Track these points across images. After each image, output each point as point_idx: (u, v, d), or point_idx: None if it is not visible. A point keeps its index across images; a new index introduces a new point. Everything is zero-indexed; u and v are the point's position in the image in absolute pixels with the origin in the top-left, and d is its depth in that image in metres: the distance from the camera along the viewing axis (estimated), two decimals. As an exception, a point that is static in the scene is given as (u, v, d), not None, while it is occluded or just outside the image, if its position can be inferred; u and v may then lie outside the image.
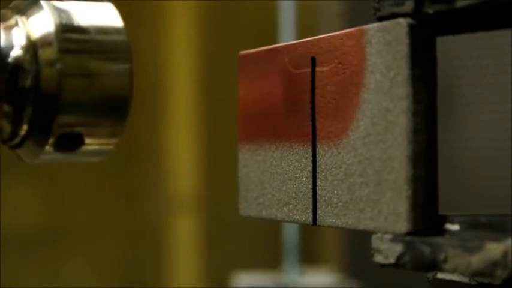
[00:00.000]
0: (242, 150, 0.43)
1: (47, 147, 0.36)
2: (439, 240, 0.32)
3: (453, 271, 0.32)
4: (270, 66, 0.41)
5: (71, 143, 0.36)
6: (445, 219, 0.34)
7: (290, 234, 1.19)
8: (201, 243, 1.60)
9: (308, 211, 0.38)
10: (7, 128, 0.36)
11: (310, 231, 1.36)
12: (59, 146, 0.36)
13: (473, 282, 0.34)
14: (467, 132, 0.74)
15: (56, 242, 1.51)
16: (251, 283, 1.16)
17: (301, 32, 1.17)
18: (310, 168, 0.38)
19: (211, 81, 1.59)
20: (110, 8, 0.36)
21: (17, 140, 0.37)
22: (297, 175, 0.39)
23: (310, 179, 0.38)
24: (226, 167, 1.41)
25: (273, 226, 1.30)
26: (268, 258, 1.44)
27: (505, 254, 0.30)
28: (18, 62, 0.34)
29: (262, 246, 1.57)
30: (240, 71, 0.43)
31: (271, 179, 0.41)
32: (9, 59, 0.35)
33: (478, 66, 0.68)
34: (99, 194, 1.54)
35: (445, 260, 0.32)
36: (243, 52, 0.43)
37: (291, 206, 0.39)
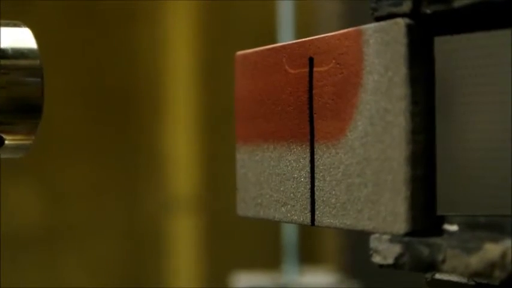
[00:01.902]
0: (240, 151, 0.43)
1: None
2: (437, 240, 0.32)
3: (451, 272, 0.32)
4: (267, 67, 0.41)
5: None
6: (444, 219, 0.34)
7: (289, 234, 1.19)
8: (201, 243, 1.60)
9: (306, 211, 0.38)
10: None
11: (310, 231, 1.36)
12: None
13: (472, 283, 0.34)
14: (466, 132, 0.74)
15: (56, 242, 1.51)
16: (251, 283, 1.16)
17: (299, 32, 1.17)
18: (308, 169, 0.38)
19: (211, 82, 1.59)
20: (27, 33, 0.44)
21: None
22: (295, 175, 0.39)
23: (309, 180, 0.38)
24: (226, 167, 1.41)
25: (273, 226, 1.30)
26: (268, 258, 1.44)
27: (503, 255, 0.30)
28: None
29: (262, 246, 1.57)
30: (236, 71, 0.43)
31: (269, 179, 0.41)
32: None
33: (476, 67, 0.68)
34: (99, 194, 1.54)
35: (444, 261, 0.32)
36: (239, 52, 0.43)
37: (289, 206, 0.39)
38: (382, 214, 0.34)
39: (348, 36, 0.36)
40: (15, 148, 0.44)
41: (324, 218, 0.37)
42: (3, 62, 0.42)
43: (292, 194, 0.39)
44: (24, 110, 0.43)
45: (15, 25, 0.44)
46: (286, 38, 1.16)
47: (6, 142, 0.43)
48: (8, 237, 1.41)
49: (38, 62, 0.43)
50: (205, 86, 1.60)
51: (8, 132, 0.43)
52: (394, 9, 0.34)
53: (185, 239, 1.60)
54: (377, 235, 0.34)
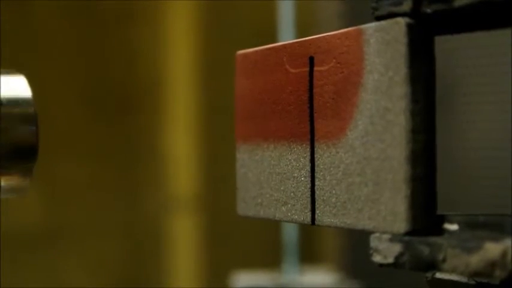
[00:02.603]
0: (240, 150, 0.43)
1: None
2: (437, 240, 0.32)
3: (452, 271, 0.32)
4: (267, 66, 0.41)
5: None
6: (444, 219, 0.34)
7: (289, 233, 1.19)
8: (201, 243, 1.60)
9: (306, 211, 0.38)
10: None
11: (310, 230, 1.36)
12: None
13: (472, 282, 0.34)
14: (467, 132, 0.74)
15: (56, 242, 1.51)
16: (251, 283, 1.16)
17: (300, 32, 1.17)
18: (308, 168, 0.38)
19: (211, 81, 1.59)
20: (22, 80, 0.45)
21: None
22: (296, 175, 0.39)
23: (309, 179, 0.38)
24: (226, 166, 1.41)
25: (273, 226, 1.30)
26: (268, 258, 1.44)
27: (503, 254, 0.30)
28: None
29: (262, 246, 1.57)
30: (237, 70, 0.43)
31: (270, 178, 0.41)
32: None
33: (477, 66, 0.68)
34: (98, 194, 1.54)
35: (444, 260, 0.32)
36: (240, 51, 0.43)
37: (289, 205, 0.39)
38: (382, 213, 0.34)
39: (349, 35, 0.36)
40: (11, 190, 0.47)
41: (324, 217, 0.37)
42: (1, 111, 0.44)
43: (292, 193, 0.39)
44: (18, 155, 0.45)
45: (9, 73, 0.46)
46: (286, 37, 1.16)
47: (2, 184, 0.45)
48: (7, 237, 1.41)
49: (32, 109, 0.45)
50: (205, 86, 1.60)
51: (4, 175, 0.45)
52: (395, 9, 0.34)
53: (185, 239, 1.60)
54: (377, 234, 0.34)
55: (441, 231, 0.33)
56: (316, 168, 0.38)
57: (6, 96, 0.45)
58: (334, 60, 0.37)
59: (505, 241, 0.30)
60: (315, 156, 0.38)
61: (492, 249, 0.30)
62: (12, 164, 0.45)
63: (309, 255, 1.35)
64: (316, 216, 0.38)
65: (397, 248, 0.33)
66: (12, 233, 1.45)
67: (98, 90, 1.52)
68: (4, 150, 0.44)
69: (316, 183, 0.38)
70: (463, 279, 0.35)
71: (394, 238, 0.33)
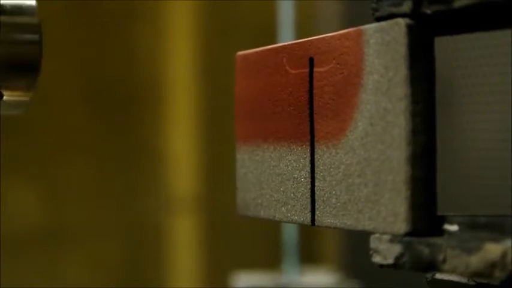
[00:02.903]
0: (240, 151, 0.43)
1: None
2: (437, 240, 0.32)
3: (452, 271, 0.32)
4: (267, 67, 0.41)
5: None
6: (444, 219, 0.34)
7: (290, 234, 1.19)
8: (201, 243, 1.60)
9: (306, 211, 0.38)
10: None
11: (310, 231, 1.36)
12: None
13: (472, 283, 0.34)
14: (467, 132, 0.74)
15: (56, 242, 1.51)
16: (251, 283, 1.16)
17: (300, 32, 1.17)
18: (308, 169, 0.38)
19: (211, 82, 1.59)
20: None
21: None
22: (296, 175, 0.39)
23: (309, 180, 0.38)
24: (226, 167, 1.41)
25: (273, 226, 1.30)
26: (268, 258, 1.44)
27: (503, 255, 0.30)
28: None
29: (262, 246, 1.57)
30: (237, 71, 0.43)
31: (270, 179, 0.41)
32: None
33: (477, 67, 0.68)
34: (99, 194, 1.54)
35: (444, 261, 0.32)
36: (240, 52, 0.43)
37: (289, 206, 0.39)
38: (383, 214, 0.34)
39: (349, 36, 0.36)
40: (13, 104, 0.44)
41: (324, 218, 0.37)
42: (1, 18, 0.42)
43: (292, 194, 0.39)
44: (22, 67, 0.43)
45: None
46: (286, 38, 1.16)
47: (4, 98, 0.43)
48: (7, 237, 1.41)
49: (36, 18, 0.43)
50: (205, 86, 1.60)
51: (6, 88, 0.43)
52: (395, 10, 0.34)
53: (185, 239, 1.60)
54: (377, 235, 0.34)
55: (441, 232, 0.33)
56: (316, 169, 0.38)
57: (9, 3, 0.43)
58: (334, 61, 0.37)
59: (505, 242, 0.30)
60: (315, 157, 0.38)
61: (492, 250, 0.30)
62: (15, 76, 0.43)
63: (309, 256, 1.35)
64: (316, 216, 0.38)
65: (397, 249, 0.33)
66: (12, 233, 1.45)
67: (98, 90, 1.52)
68: (7, 61, 0.42)
69: (316, 184, 0.38)
70: (463, 280, 0.35)
71: (394, 239, 0.33)
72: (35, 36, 0.43)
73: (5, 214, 1.38)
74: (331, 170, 0.37)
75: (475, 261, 0.31)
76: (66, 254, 1.52)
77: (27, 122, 1.43)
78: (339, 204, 0.36)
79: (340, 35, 0.36)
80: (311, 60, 0.38)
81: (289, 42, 0.40)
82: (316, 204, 0.38)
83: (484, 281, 0.33)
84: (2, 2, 0.42)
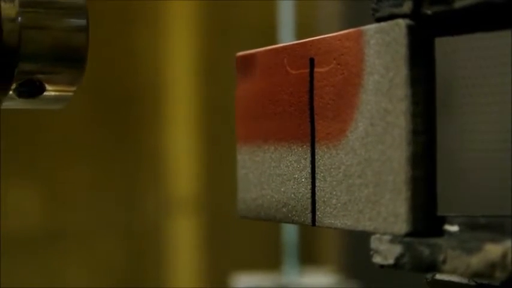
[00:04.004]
0: (240, 151, 0.43)
1: (10, 94, 0.39)
2: (438, 241, 0.32)
3: (452, 272, 0.32)
4: (268, 67, 0.41)
5: (32, 89, 0.39)
6: (444, 220, 0.34)
7: (290, 234, 1.19)
8: (201, 244, 1.60)
9: (307, 212, 0.38)
10: None
11: (310, 231, 1.36)
12: (21, 93, 0.39)
13: (472, 283, 0.34)
14: (467, 133, 0.74)
15: (56, 242, 1.51)
16: (251, 283, 1.16)
17: (300, 33, 1.17)
18: (309, 169, 0.38)
19: (211, 82, 1.59)
20: None
21: None
22: (296, 176, 0.39)
23: (309, 180, 0.38)
24: (226, 167, 1.41)
25: (273, 227, 1.30)
26: (268, 258, 1.44)
27: (504, 255, 0.30)
28: None
29: (262, 246, 1.57)
30: (237, 71, 0.43)
31: (270, 180, 0.41)
32: None
33: (477, 67, 0.68)
34: (99, 194, 1.54)
35: (444, 261, 0.32)
36: (240, 53, 0.43)
37: (290, 207, 0.39)
38: (383, 214, 0.34)
39: (349, 37, 0.36)
40: (54, 99, 0.41)
41: (325, 219, 0.37)
42: (47, 1, 0.39)
43: (293, 195, 0.39)
44: (67, 57, 0.39)
45: None
46: (286, 38, 1.16)
47: (45, 93, 0.40)
48: (7, 237, 1.41)
49: (82, 1, 0.40)
50: (205, 87, 1.60)
51: (48, 82, 0.39)
52: (395, 10, 0.34)
53: (185, 239, 1.60)
54: (378, 235, 0.34)
55: (441, 233, 0.33)
56: (316, 170, 0.38)
57: None
58: (334, 62, 0.37)
59: (505, 242, 0.30)
60: (316, 157, 0.38)
61: (492, 250, 0.30)
62: (58, 69, 0.39)
63: (309, 256, 1.35)
64: (316, 217, 0.38)
65: (397, 249, 0.33)
66: (12, 233, 1.45)
67: (98, 91, 1.52)
68: (49, 51, 0.38)
69: (317, 184, 0.38)
70: (464, 280, 0.35)
71: (395, 239, 0.33)
72: (82, 22, 0.39)
73: (5, 214, 1.38)
74: (332, 170, 0.37)
75: (476, 261, 0.31)
76: (66, 254, 1.52)
77: (27, 121, 1.43)
78: (339, 204, 0.36)
79: (341, 35, 0.36)
80: (311, 60, 0.38)
81: (290, 43, 0.40)
82: (316, 204, 0.38)
83: (485, 281, 0.33)
84: None
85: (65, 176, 1.52)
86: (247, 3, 1.61)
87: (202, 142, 1.60)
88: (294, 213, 0.39)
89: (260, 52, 0.42)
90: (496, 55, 0.66)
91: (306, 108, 0.38)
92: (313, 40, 0.38)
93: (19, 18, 0.37)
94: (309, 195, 0.38)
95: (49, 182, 1.51)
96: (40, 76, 0.39)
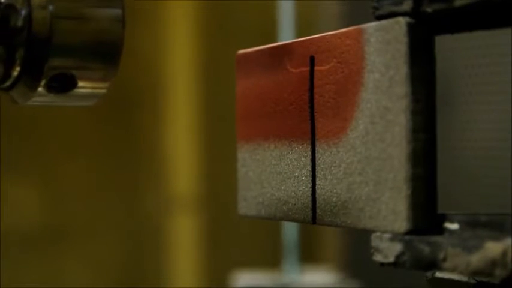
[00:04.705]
0: (241, 150, 0.43)
1: (40, 89, 0.36)
2: (438, 239, 0.32)
3: (452, 270, 0.32)
4: (268, 65, 0.41)
5: (63, 84, 0.36)
6: (445, 218, 0.34)
7: (290, 233, 1.19)
8: (201, 243, 1.60)
9: (307, 210, 0.38)
10: (0, 69, 0.36)
11: (310, 230, 1.36)
12: (51, 88, 0.36)
13: (472, 281, 0.35)
14: (467, 132, 0.74)
15: (56, 242, 1.51)
16: (251, 283, 1.16)
17: (300, 31, 1.17)
18: (309, 167, 0.38)
19: (211, 81, 1.59)
20: None
21: (9, 82, 0.37)
22: (296, 174, 0.39)
23: (310, 178, 0.38)
24: (226, 166, 1.41)
25: (273, 225, 1.30)
26: (268, 257, 1.44)
27: (504, 253, 0.30)
28: (10, 3, 0.35)
29: (262, 245, 1.57)
30: (237, 70, 0.43)
31: (271, 178, 0.41)
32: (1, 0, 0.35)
33: (477, 65, 0.68)
34: (99, 194, 1.54)
35: (445, 259, 0.32)
36: (240, 51, 0.43)
37: (290, 205, 0.39)
38: (383, 213, 0.34)
39: (349, 35, 0.36)
40: (85, 95, 0.38)
41: (325, 217, 0.37)
42: None
43: (293, 193, 0.39)
44: (101, 50, 0.36)
45: None
46: (287, 37, 1.16)
47: (76, 88, 0.37)
48: (8, 237, 1.41)
49: None
50: (205, 86, 1.60)
51: (81, 77, 0.36)
52: (395, 8, 0.34)
53: (185, 238, 1.60)
54: (378, 234, 0.34)
55: (442, 231, 0.33)
56: (317, 168, 0.38)
57: None
58: (334, 60, 0.37)
59: (505, 240, 0.30)
60: (316, 155, 0.38)
61: (493, 248, 0.30)
62: (91, 63, 0.36)
63: (309, 255, 1.35)
64: (317, 215, 0.38)
65: (397, 247, 0.33)
66: (12, 233, 1.45)
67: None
68: (82, 43, 0.35)
69: (317, 182, 0.38)
70: (464, 278, 0.35)
71: (395, 237, 0.33)
72: (117, 11, 0.36)
73: (5, 214, 1.38)
74: (332, 168, 0.37)
75: (476, 259, 0.31)
76: (66, 253, 1.52)
77: (27, 121, 1.43)
78: (339, 202, 0.36)
79: (341, 33, 0.36)
80: (312, 58, 0.38)
81: (290, 41, 0.40)
82: (317, 202, 0.38)
83: (485, 279, 0.33)
84: None
85: (65, 175, 1.52)
86: (247, 3, 1.61)
87: (202, 141, 1.60)
88: (294, 211, 0.39)
89: (260, 50, 0.42)
90: (496, 54, 0.66)
91: (306, 106, 0.38)
92: (313, 38, 0.38)
93: (50, 6, 0.35)
94: (309, 193, 0.38)
95: (49, 181, 1.51)
96: (71, 70, 0.36)
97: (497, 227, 0.32)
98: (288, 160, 0.40)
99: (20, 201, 1.48)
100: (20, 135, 1.45)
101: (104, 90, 0.38)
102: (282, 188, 0.40)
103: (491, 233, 0.32)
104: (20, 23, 0.35)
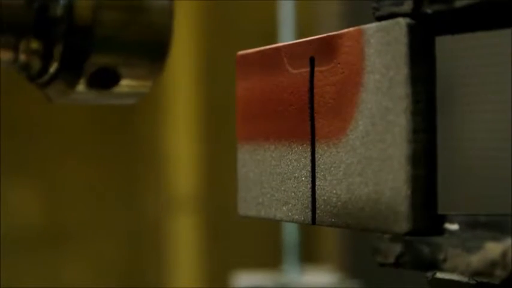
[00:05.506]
0: (241, 150, 0.43)
1: (78, 87, 0.33)
2: (438, 239, 0.32)
3: (452, 271, 0.32)
4: (268, 66, 0.41)
5: (104, 80, 0.33)
6: (445, 219, 0.34)
7: (290, 233, 1.20)
8: (201, 243, 1.60)
9: (307, 211, 0.38)
10: (36, 64, 0.33)
11: (310, 230, 1.36)
12: (92, 83, 0.33)
13: (473, 282, 0.35)
14: (467, 132, 0.74)
15: (56, 242, 1.51)
16: (251, 283, 1.16)
17: (301, 32, 1.17)
18: (309, 168, 0.38)
19: (211, 81, 1.59)
20: None
21: (45, 78, 0.33)
22: (296, 175, 0.39)
23: (310, 179, 0.38)
24: (226, 166, 1.41)
25: (273, 226, 1.30)
26: (269, 257, 1.44)
27: (504, 254, 0.30)
28: None
29: (262, 245, 1.57)
30: (238, 70, 0.43)
31: (271, 178, 0.41)
32: None
33: (477, 66, 0.68)
34: (99, 194, 1.54)
35: (445, 260, 0.32)
36: (241, 52, 0.43)
37: (290, 205, 0.39)
38: (383, 213, 0.34)
39: (349, 35, 0.36)
40: (128, 93, 0.35)
41: (325, 217, 0.37)
42: None
43: (293, 193, 0.39)
44: (148, 43, 0.33)
45: None
46: (287, 37, 1.16)
47: (119, 84, 0.34)
48: (7, 237, 1.41)
49: None
50: (205, 86, 1.60)
51: (124, 72, 0.33)
52: (396, 9, 0.34)
53: (186, 238, 1.60)
54: (378, 234, 0.34)
55: (442, 231, 0.33)
56: (317, 168, 0.38)
57: None
58: (334, 61, 0.37)
59: (505, 241, 0.30)
60: (316, 156, 0.38)
61: (493, 249, 0.30)
62: (137, 58, 0.33)
63: (309, 255, 1.35)
64: (317, 216, 0.38)
65: (398, 248, 0.33)
66: (12, 233, 1.45)
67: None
68: (128, 36, 0.32)
69: (317, 183, 0.38)
70: (464, 279, 0.35)
71: (395, 238, 0.33)
72: (166, 3, 0.33)
73: (5, 214, 1.38)
74: (332, 169, 0.37)
75: (476, 260, 0.31)
76: (66, 253, 1.52)
77: (27, 121, 1.43)
78: (339, 203, 0.36)
79: (341, 34, 0.36)
80: (312, 59, 0.38)
81: (290, 42, 0.40)
82: (317, 203, 0.38)
83: (485, 280, 0.33)
84: None
85: (65, 176, 1.52)
86: (247, 3, 1.61)
87: (202, 141, 1.60)
88: (294, 211, 0.39)
89: (260, 51, 0.42)
90: (496, 54, 0.66)
91: (306, 107, 0.38)
92: (313, 39, 0.38)
93: None
94: (309, 193, 0.38)
95: (49, 182, 1.51)
96: (115, 64, 0.33)
97: (497, 227, 0.32)
98: (288, 161, 0.40)
99: (20, 202, 1.48)
100: (20, 137, 1.45)
101: (146, 89, 0.36)
102: (282, 188, 0.40)
103: (491, 234, 0.32)
104: (59, 12, 0.31)
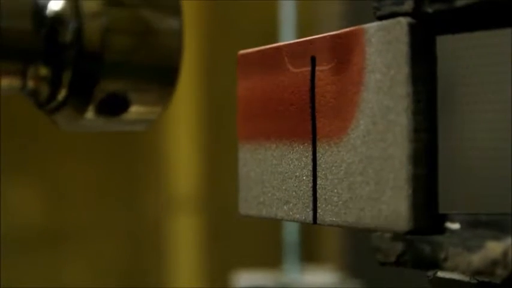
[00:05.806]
0: (242, 149, 0.43)
1: (87, 114, 0.32)
2: (439, 239, 0.32)
3: (453, 270, 0.32)
4: (269, 66, 0.41)
5: (115, 106, 0.32)
6: (446, 218, 0.34)
7: (291, 233, 1.20)
8: (201, 243, 1.60)
9: (308, 210, 0.38)
10: (44, 90, 0.32)
11: (311, 230, 1.36)
12: (101, 109, 0.32)
13: (474, 281, 0.35)
14: (467, 132, 0.74)
15: (56, 242, 1.51)
16: (251, 282, 1.16)
17: (301, 31, 1.17)
18: (310, 167, 0.38)
19: (212, 81, 1.59)
20: None
21: (54, 104, 0.33)
22: (297, 174, 0.39)
23: (311, 178, 0.38)
24: (226, 166, 1.41)
25: (274, 225, 1.30)
26: (269, 257, 1.44)
27: (505, 253, 0.30)
28: (57, 15, 0.31)
29: (263, 245, 1.57)
30: (239, 70, 0.43)
31: (271, 177, 0.41)
32: (48, 11, 0.31)
33: (478, 66, 0.68)
34: (99, 194, 1.54)
35: (446, 259, 0.32)
36: (242, 51, 0.43)
37: (291, 204, 0.40)
38: (384, 212, 0.34)
39: (350, 35, 0.36)
40: (137, 120, 0.34)
41: (326, 217, 0.37)
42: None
43: (294, 193, 0.39)
44: (158, 68, 0.32)
45: None
46: (288, 37, 1.16)
47: (129, 111, 0.33)
48: (7, 237, 1.41)
49: (177, 1, 0.32)
50: (206, 86, 1.60)
51: (133, 99, 0.32)
52: (396, 8, 0.34)
53: (186, 238, 1.60)
54: (379, 233, 0.34)
55: (443, 230, 0.33)
56: (318, 167, 0.38)
57: None
58: (335, 60, 0.37)
59: (506, 240, 0.30)
60: (317, 155, 0.38)
61: (494, 248, 0.30)
62: (145, 83, 0.32)
63: (310, 255, 1.35)
64: (317, 215, 0.38)
65: (399, 247, 0.33)
66: (12, 233, 1.45)
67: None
68: (138, 61, 0.31)
69: (318, 182, 0.38)
70: (465, 278, 0.35)
71: (396, 237, 0.33)
72: (176, 24, 0.33)
73: (5, 214, 1.38)
74: (333, 168, 0.37)
75: (477, 259, 0.31)
76: (66, 253, 1.52)
77: (27, 121, 1.43)
78: (340, 202, 0.36)
79: (342, 33, 0.36)
80: (313, 59, 0.38)
81: (291, 41, 0.40)
82: (318, 202, 0.38)
83: (486, 279, 0.33)
84: None
85: (65, 176, 1.52)
86: (248, 3, 1.61)
87: (202, 141, 1.60)
88: (295, 211, 0.39)
89: (261, 51, 0.42)
90: (497, 53, 0.66)
91: (307, 106, 0.38)
92: (314, 38, 0.38)
93: (103, 17, 0.30)
94: (310, 193, 0.38)
95: (49, 182, 1.51)
96: (124, 90, 0.32)
97: (498, 226, 0.32)
98: (289, 160, 0.40)
99: (20, 202, 1.48)
100: (20, 137, 1.45)
101: (156, 116, 0.34)
102: (283, 187, 0.40)
103: (492, 233, 0.32)
104: (68, 37, 0.30)
